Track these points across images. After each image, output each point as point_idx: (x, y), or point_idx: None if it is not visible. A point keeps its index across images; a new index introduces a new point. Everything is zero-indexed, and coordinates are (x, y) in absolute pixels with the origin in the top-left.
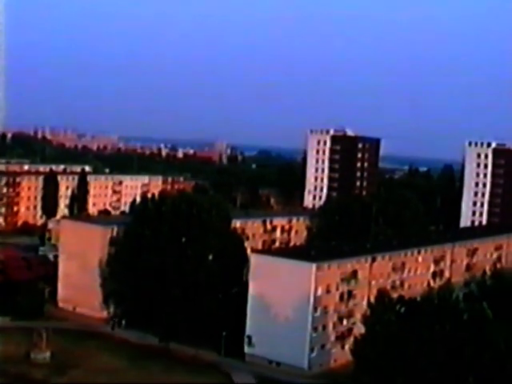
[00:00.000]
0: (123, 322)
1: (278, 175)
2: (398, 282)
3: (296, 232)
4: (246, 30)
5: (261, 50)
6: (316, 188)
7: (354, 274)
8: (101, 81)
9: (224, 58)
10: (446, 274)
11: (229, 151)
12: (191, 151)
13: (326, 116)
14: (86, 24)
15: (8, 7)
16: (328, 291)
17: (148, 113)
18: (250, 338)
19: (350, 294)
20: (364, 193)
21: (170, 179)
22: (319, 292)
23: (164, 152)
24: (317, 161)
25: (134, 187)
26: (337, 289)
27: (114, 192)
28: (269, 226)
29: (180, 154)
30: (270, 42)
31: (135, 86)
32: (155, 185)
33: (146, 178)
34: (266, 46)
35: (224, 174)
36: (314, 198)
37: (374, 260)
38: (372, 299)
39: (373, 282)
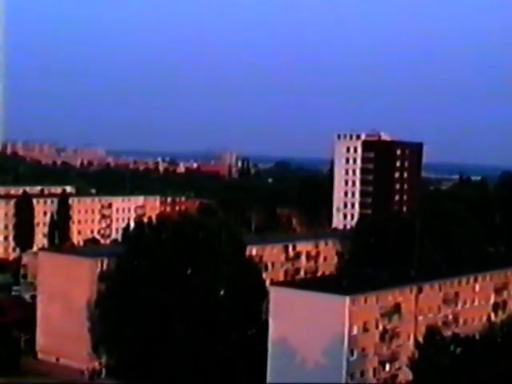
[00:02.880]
0: (103, 371)
1: (300, 191)
2: (450, 317)
3: (324, 258)
4: (254, 30)
5: (272, 49)
6: (346, 205)
7: (397, 307)
8: (84, 86)
9: (229, 59)
10: (511, 305)
11: (239, 164)
12: (194, 165)
13: (354, 119)
14: (64, 26)
15: None
16: (366, 330)
17: (141, 122)
18: None
19: (393, 333)
20: (405, 209)
21: (169, 199)
22: (355, 331)
23: (162, 167)
24: (346, 172)
25: (126, 210)
26: (376, 326)
27: (103, 217)
28: (291, 253)
29: (181, 169)
30: (282, 42)
31: (125, 91)
32: (152, 206)
33: (140, 199)
34: (278, 46)
35: (235, 191)
36: (345, 216)
37: (420, 290)
38: (420, 338)
39: (420, 318)
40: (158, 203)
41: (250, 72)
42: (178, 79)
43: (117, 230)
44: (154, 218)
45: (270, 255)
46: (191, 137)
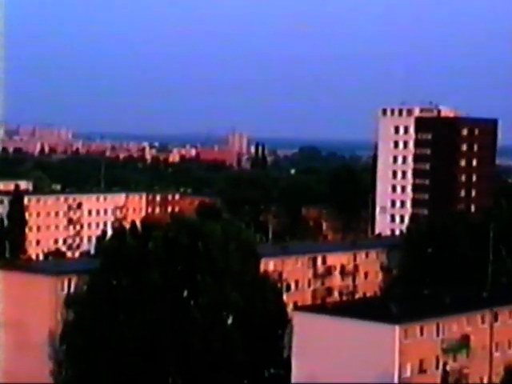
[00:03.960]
0: None
1: (332, 185)
2: None
3: (365, 275)
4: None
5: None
6: (394, 203)
7: (465, 340)
8: (45, 59)
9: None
10: None
11: (252, 149)
12: (192, 151)
13: (403, 89)
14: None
15: None
16: (422, 370)
17: (120, 98)
18: None
19: (460, 375)
20: (473, 208)
21: (158, 197)
22: (408, 372)
23: (149, 154)
24: (394, 159)
25: (101, 212)
26: (437, 366)
27: (70, 221)
28: (321, 268)
29: (174, 157)
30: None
31: (99, 61)
32: (136, 207)
33: (120, 197)
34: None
35: (246, 186)
36: (392, 219)
37: (495, 318)
38: (496, 382)
39: (496, 354)
40: (143, 203)
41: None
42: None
43: (89, 238)
44: (138, 222)
45: (293, 271)
46: (187, 116)
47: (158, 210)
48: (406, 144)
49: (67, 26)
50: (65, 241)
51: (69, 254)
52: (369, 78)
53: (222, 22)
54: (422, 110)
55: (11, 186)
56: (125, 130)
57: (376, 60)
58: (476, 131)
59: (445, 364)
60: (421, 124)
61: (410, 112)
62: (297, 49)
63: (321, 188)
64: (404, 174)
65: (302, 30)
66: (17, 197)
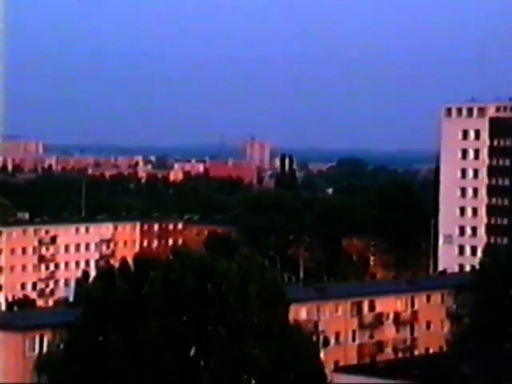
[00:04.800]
0: None
1: (381, 208)
2: None
3: (427, 325)
4: None
5: None
6: (464, 231)
7: None
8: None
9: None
10: None
11: (277, 163)
12: (199, 167)
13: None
14: None
15: None
16: None
17: (105, 102)
18: None
19: None
20: None
21: (156, 226)
22: None
23: (144, 171)
24: (463, 173)
25: (82, 247)
26: None
27: (42, 260)
28: (368, 316)
29: (176, 175)
30: None
31: (77, 55)
32: (127, 239)
33: (107, 228)
34: None
35: (269, 211)
36: (461, 251)
37: None
38: None
39: None
40: (137, 234)
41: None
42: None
43: (66, 282)
44: (130, 259)
45: (333, 320)
46: (191, 122)
47: (155, 243)
48: (477, 153)
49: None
50: (35, 285)
51: (40, 302)
52: (424, 72)
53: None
54: (498, 109)
55: None
56: (112, 141)
57: (432, 51)
58: None
59: None
60: (497, 126)
61: (482, 111)
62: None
63: (367, 212)
64: (476, 191)
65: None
66: None
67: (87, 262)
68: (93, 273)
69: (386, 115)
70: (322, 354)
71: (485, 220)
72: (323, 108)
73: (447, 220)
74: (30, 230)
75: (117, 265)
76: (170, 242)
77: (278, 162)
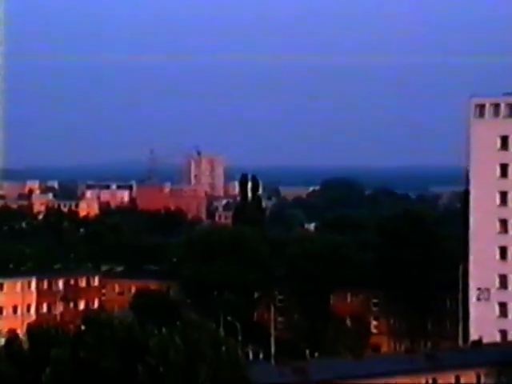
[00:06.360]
0: None
1: (385, 249)
2: None
3: None
4: None
5: None
6: (505, 281)
7: None
8: None
9: None
10: None
11: (235, 187)
12: (122, 194)
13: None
14: None
15: None
16: None
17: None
18: None
19: None
20: None
21: (61, 282)
22: None
23: (40, 203)
24: (503, 198)
25: None
26: None
27: None
28: None
29: (90, 207)
30: None
31: None
32: (17, 303)
33: None
34: None
35: (224, 257)
36: (503, 310)
37: None
38: None
39: None
40: (33, 296)
41: None
42: None
43: None
44: (21, 332)
45: None
46: (110, 134)
47: (60, 307)
48: None
49: None
50: None
51: None
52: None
53: None
54: None
55: None
56: (13, 165)
57: None
58: None
59: None
60: None
61: None
62: None
63: (364, 256)
64: None
65: None
66: None
67: None
68: None
69: (387, 119)
70: None
71: None
72: (301, 113)
73: (482, 267)
74: None
75: (2, 342)
76: (81, 305)
77: (236, 187)
